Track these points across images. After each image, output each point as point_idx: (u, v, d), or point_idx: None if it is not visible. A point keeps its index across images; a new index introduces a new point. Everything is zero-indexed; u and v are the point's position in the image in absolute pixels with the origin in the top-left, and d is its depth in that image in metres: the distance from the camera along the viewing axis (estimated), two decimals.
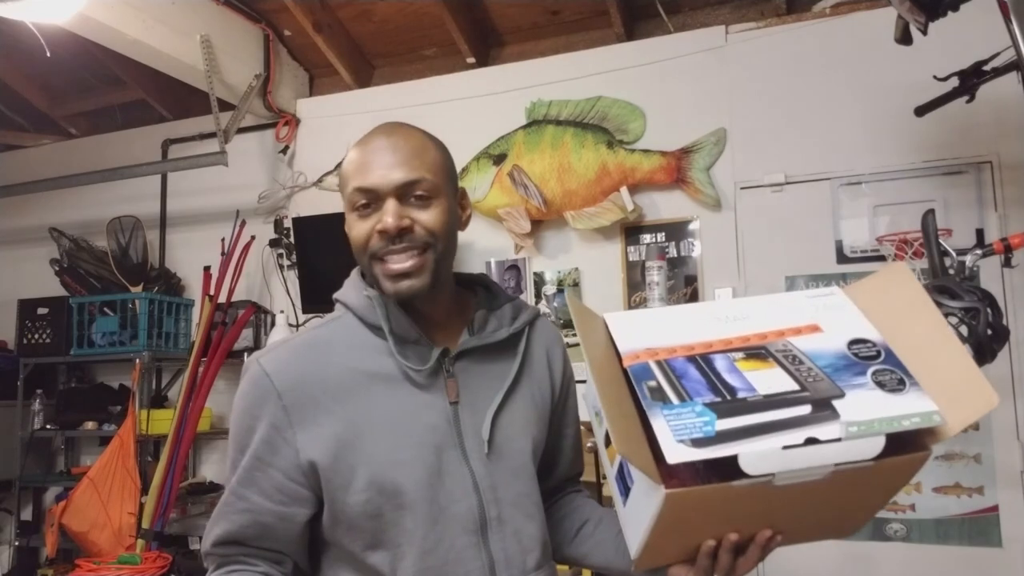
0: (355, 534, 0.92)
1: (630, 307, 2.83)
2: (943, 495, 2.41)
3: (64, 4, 2.42)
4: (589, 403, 0.93)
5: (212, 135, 3.23)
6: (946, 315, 1.60)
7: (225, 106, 3.15)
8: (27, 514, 3.57)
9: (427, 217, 0.95)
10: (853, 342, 0.82)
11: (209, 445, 3.47)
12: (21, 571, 3.40)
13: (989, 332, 1.59)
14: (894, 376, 0.77)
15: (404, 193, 0.94)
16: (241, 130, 3.30)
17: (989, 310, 1.60)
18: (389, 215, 0.93)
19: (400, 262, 0.94)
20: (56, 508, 2.98)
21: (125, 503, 2.90)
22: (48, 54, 2.70)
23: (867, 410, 0.74)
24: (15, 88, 3.78)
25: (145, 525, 2.84)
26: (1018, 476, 2.34)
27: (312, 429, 0.92)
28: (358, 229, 0.96)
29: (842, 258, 2.61)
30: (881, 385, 0.77)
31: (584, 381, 0.97)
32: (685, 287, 2.80)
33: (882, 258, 2.47)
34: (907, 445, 0.76)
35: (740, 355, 0.81)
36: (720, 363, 0.80)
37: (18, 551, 3.43)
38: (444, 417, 0.95)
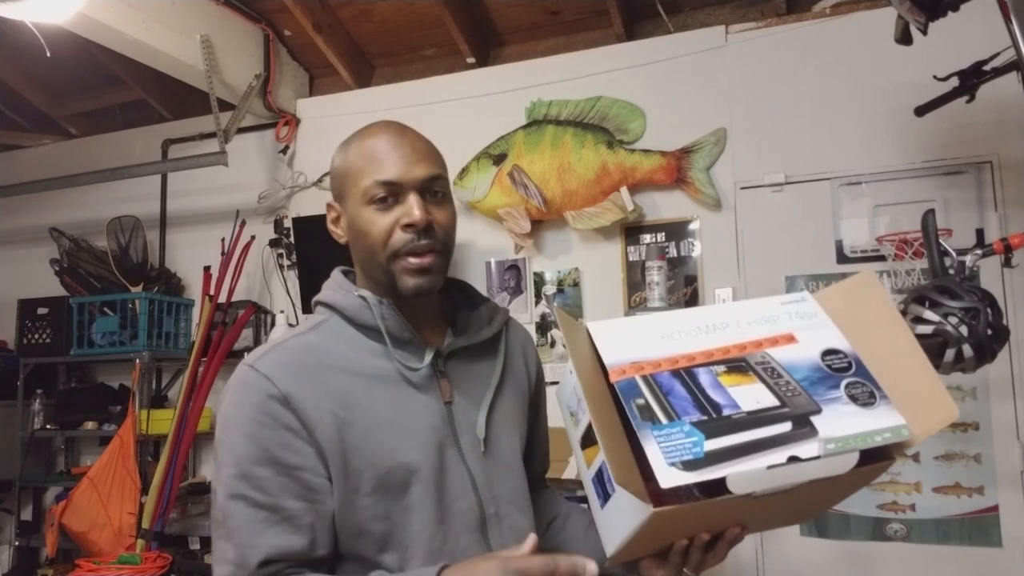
0: (364, 539, 0.90)
1: (630, 307, 2.83)
2: (943, 495, 2.41)
3: (64, 4, 2.42)
4: (563, 402, 0.94)
5: (212, 135, 3.22)
6: (946, 315, 1.61)
7: (225, 106, 3.15)
8: (27, 514, 3.56)
9: (444, 217, 0.96)
10: (826, 353, 0.85)
11: (209, 445, 3.46)
12: (21, 571, 3.40)
13: (989, 332, 1.59)
14: (865, 389, 0.81)
15: (425, 189, 0.94)
16: (241, 130, 3.29)
17: (989, 310, 1.60)
18: (417, 209, 0.92)
19: (422, 257, 0.93)
20: (56, 508, 2.98)
21: (125, 503, 2.90)
22: (48, 54, 2.69)
23: (842, 426, 0.77)
24: (15, 88, 3.78)
25: (145, 525, 2.84)
26: (1018, 476, 2.34)
27: (321, 430, 0.88)
28: (379, 224, 0.93)
29: (842, 258, 2.60)
30: (854, 399, 0.80)
31: (556, 383, 0.97)
32: (685, 287, 2.79)
33: (882, 258, 2.47)
34: (875, 454, 0.80)
35: (722, 368, 0.83)
36: (704, 378, 0.82)
37: (18, 551, 3.43)
38: (441, 417, 0.95)
